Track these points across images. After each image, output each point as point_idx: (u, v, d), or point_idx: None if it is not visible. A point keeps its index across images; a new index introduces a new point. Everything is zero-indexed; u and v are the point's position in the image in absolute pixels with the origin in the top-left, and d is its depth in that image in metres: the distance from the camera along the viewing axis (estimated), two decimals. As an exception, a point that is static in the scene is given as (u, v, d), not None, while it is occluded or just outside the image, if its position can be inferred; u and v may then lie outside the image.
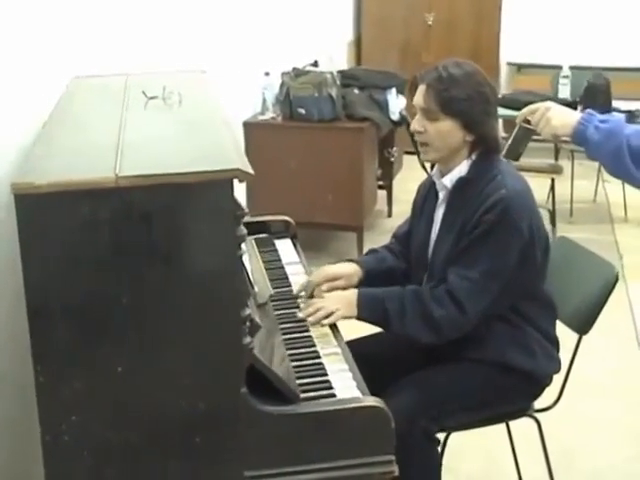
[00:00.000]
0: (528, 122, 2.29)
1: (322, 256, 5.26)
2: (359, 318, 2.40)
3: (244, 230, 1.74)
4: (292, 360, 2.13)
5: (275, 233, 3.04)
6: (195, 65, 3.69)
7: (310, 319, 2.34)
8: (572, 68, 5.80)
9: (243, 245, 1.80)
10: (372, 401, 1.89)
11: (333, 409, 1.87)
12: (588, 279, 2.68)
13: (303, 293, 2.51)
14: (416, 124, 2.43)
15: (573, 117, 2.18)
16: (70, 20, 2.95)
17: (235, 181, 1.69)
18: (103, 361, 1.73)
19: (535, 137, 2.34)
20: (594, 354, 3.89)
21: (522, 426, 2.68)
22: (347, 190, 5.06)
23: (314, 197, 5.09)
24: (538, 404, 2.61)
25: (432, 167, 2.58)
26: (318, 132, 5.04)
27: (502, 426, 2.75)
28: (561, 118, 2.21)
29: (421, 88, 2.40)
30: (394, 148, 5.80)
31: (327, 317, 2.34)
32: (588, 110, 2.21)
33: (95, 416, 1.75)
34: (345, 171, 5.03)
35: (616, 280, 2.59)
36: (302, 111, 5.00)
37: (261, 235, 3.00)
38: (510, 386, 2.47)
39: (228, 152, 1.77)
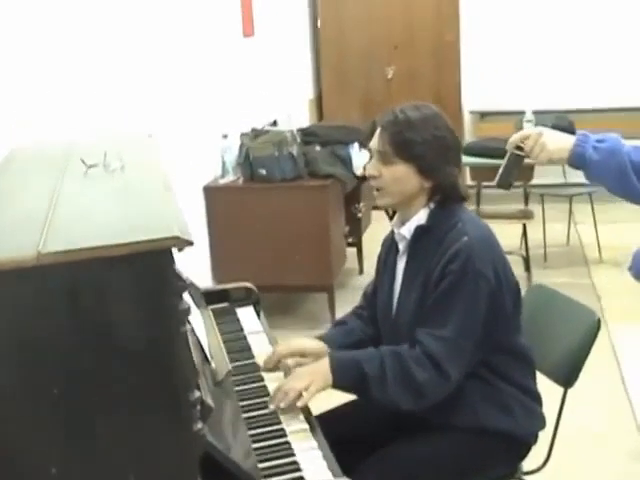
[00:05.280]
0: (519, 149, 2.18)
1: (293, 319, 5.10)
2: (335, 386, 2.19)
3: (187, 304, 1.56)
4: (255, 441, 1.95)
5: (236, 301, 2.87)
6: (150, 129, 3.56)
7: (281, 405, 2.09)
8: (535, 112, 5.71)
9: (192, 317, 1.63)
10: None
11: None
12: (569, 328, 2.53)
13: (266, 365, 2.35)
14: (371, 168, 2.30)
15: (568, 140, 2.12)
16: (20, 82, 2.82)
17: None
18: (34, 462, 1.53)
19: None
20: (581, 402, 3.72)
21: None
22: (315, 249, 4.91)
23: (281, 259, 4.93)
24: (527, 464, 2.44)
25: (392, 217, 2.43)
26: (281, 192, 4.90)
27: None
28: (556, 142, 2.14)
29: (377, 131, 2.27)
30: (361, 204, 5.66)
31: (299, 397, 2.11)
32: (581, 132, 2.15)
33: (29, 525, 1.56)
34: (311, 230, 4.88)
35: (598, 327, 2.44)
36: (263, 172, 4.86)
37: (221, 305, 2.83)
38: (489, 451, 2.29)
39: (166, 220, 1.60)
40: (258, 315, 2.80)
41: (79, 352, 1.50)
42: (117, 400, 1.53)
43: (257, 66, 5.89)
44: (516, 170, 2.23)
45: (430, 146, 2.22)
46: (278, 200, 4.90)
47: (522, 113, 5.95)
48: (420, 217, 2.29)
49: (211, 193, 4.98)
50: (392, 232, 2.43)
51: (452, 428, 2.26)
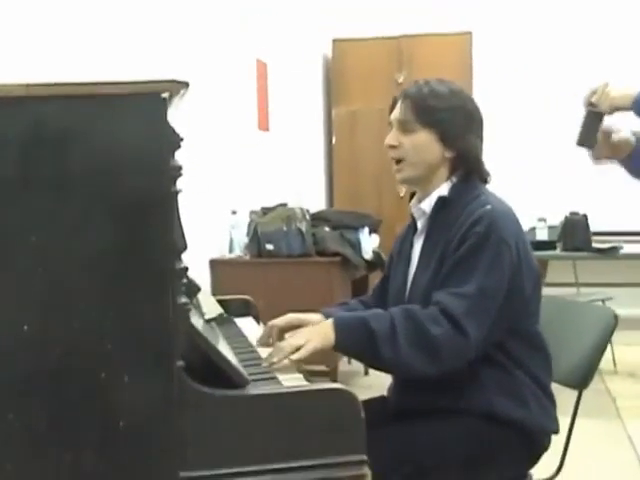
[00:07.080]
0: (593, 105, 2.28)
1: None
2: (337, 348, 2.00)
3: (179, 162, 1.47)
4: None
5: (235, 313, 2.75)
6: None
7: (274, 359, 1.93)
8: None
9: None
10: (337, 384, 1.55)
11: (291, 391, 1.53)
12: (582, 330, 2.39)
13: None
14: (390, 139, 2.22)
15: (633, 89, 2.20)
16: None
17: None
18: (3, 316, 1.40)
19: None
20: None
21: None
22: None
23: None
24: (538, 473, 2.24)
25: (410, 198, 2.34)
26: (287, 267, 4.80)
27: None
28: (620, 90, 2.23)
29: (398, 102, 2.22)
30: (369, 301, 5.53)
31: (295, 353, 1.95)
32: None
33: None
34: (317, 308, 4.74)
35: (616, 321, 2.29)
36: (270, 247, 4.79)
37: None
38: (499, 441, 2.10)
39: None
40: (258, 324, 2.68)
41: (62, 196, 1.40)
42: (100, 256, 1.41)
43: (271, 158, 5.95)
44: (595, 127, 2.28)
45: (453, 113, 2.16)
46: (284, 276, 4.79)
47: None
48: (442, 190, 2.20)
49: (217, 266, 4.89)
50: (404, 229, 2.34)
51: (461, 412, 2.09)
